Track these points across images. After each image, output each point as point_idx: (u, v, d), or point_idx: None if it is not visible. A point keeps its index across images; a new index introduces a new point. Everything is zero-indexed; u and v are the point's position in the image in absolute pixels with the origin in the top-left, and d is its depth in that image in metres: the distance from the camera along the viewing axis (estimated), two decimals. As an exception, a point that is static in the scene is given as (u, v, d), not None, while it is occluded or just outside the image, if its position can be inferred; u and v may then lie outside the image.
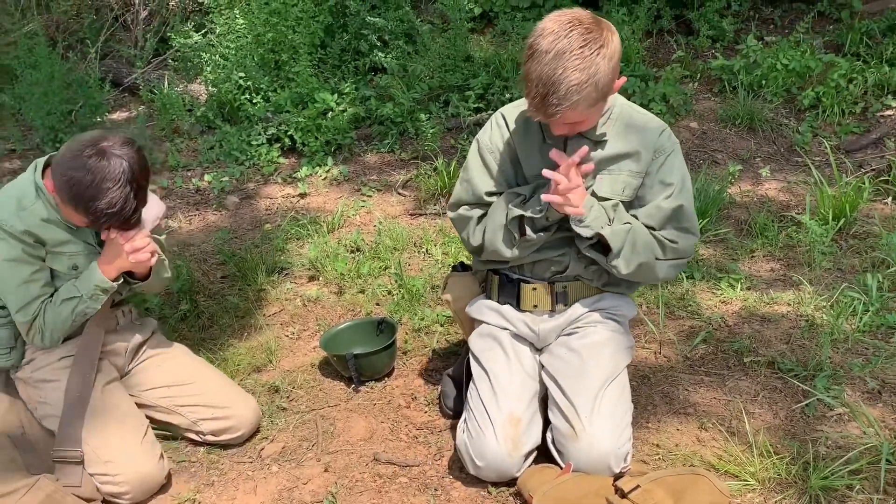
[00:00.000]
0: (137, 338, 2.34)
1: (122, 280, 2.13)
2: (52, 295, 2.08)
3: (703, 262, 3.31)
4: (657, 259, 2.06)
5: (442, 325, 2.98)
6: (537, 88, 1.81)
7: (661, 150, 2.05)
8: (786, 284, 3.14)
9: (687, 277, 3.18)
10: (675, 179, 2.06)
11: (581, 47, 1.78)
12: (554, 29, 1.81)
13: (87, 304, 2.07)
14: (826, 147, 4.07)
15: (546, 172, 1.91)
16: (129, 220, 1.94)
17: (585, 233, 1.98)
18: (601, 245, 2.05)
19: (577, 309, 2.20)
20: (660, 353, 2.77)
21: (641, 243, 2.02)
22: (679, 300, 3.06)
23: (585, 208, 1.96)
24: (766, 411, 2.45)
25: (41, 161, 2.06)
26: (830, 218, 3.41)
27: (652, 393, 2.57)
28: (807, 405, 2.43)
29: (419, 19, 5.06)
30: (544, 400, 2.16)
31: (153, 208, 2.16)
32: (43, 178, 2.01)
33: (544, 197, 1.92)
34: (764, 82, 4.55)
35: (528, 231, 2.02)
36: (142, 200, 1.96)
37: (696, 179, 3.69)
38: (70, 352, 2.15)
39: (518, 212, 2.01)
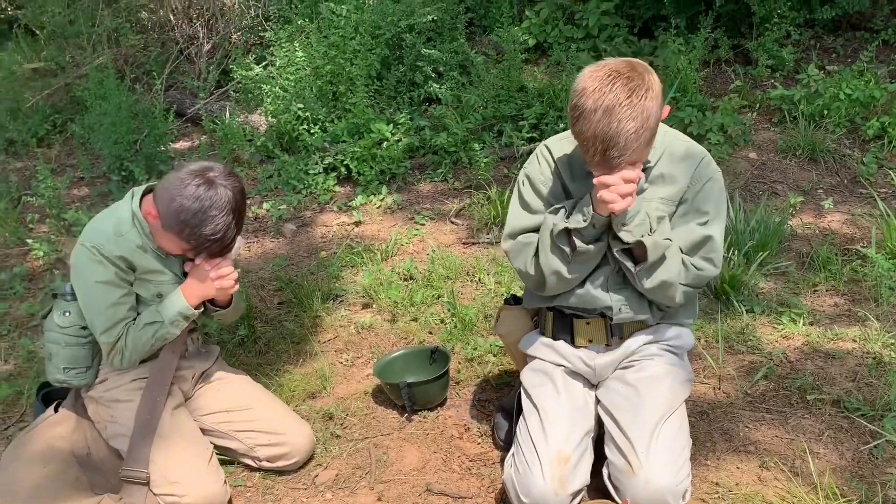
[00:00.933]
0: (203, 364, 2.41)
1: (203, 308, 2.19)
2: (134, 319, 2.16)
3: (763, 295, 3.23)
4: (679, 282, 2.03)
5: (495, 356, 2.97)
6: (595, 146, 1.82)
7: (700, 178, 2.04)
8: (851, 320, 3.04)
9: (747, 311, 3.11)
10: (710, 208, 2.04)
11: (629, 97, 1.80)
12: (596, 86, 1.82)
13: (167, 329, 2.14)
14: (892, 178, 3.95)
15: (597, 179, 1.90)
16: (227, 248, 2.03)
17: (627, 238, 1.96)
18: (632, 253, 2.02)
19: (634, 342, 2.17)
20: (719, 389, 2.70)
21: (674, 262, 2.00)
22: (739, 334, 2.99)
23: (632, 210, 1.94)
24: (832, 451, 2.36)
25: (139, 190, 2.15)
26: (898, 252, 3.30)
27: (711, 429, 2.51)
28: (875, 446, 2.34)
29: (473, 51, 5.12)
30: (600, 439, 2.12)
31: (236, 244, 2.24)
32: (140, 206, 2.10)
33: (599, 180, 1.88)
34: (826, 112, 4.46)
35: (579, 243, 2.00)
36: (240, 229, 2.05)
37: (756, 211, 3.62)
38: (143, 374, 2.22)
39: (563, 224, 2.00)
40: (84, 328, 2.17)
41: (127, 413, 2.18)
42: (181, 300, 2.13)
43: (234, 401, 2.35)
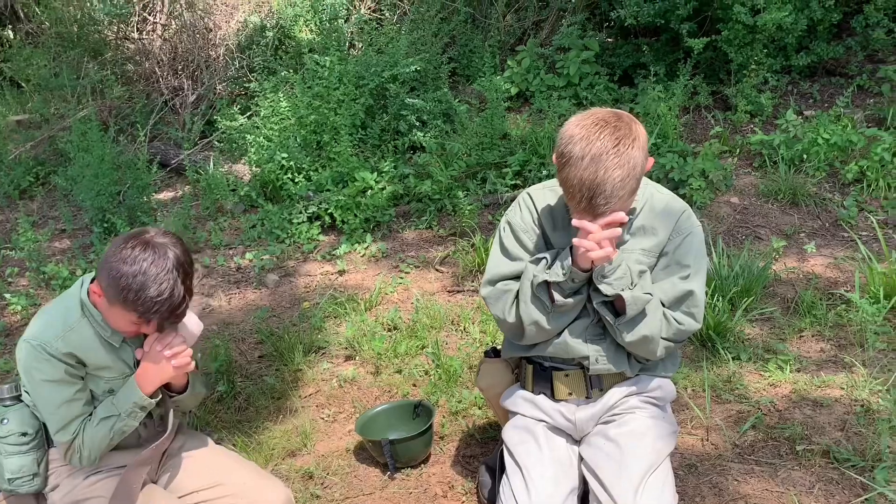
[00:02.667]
0: (163, 444, 2.26)
1: (160, 396, 2.11)
2: (90, 414, 2.06)
3: (749, 342, 3.21)
4: (661, 337, 2.01)
5: (480, 408, 2.92)
6: (581, 193, 1.82)
7: (680, 231, 2.03)
8: (838, 366, 3.01)
9: (733, 358, 3.08)
10: (690, 261, 2.03)
11: (615, 146, 1.81)
12: (584, 134, 1.83)
13: (124, 421, 2.04)
14: (873, 222, 3.98)
15: (576, 222, 1.89)
16: (178, 310, 1.92)
17: (606, 290, 1.94)
18: (613, 305, 2.00)
19: (614, 394, 2.13)
20: (707, 440, 2.66)
21: (655, 317, 1.98)
22: (725, 382, 2.95)
23: (613, 263, 1.92)
24: (823, 505, 2.32)
25: (88, 277, 2.06)
26: (882, 296, 3.29)
27: (700, 483, 2.46)
28: (866, 500, 2.29)
29: (457, 100, 5.17)
30: (585, 496, 2.07)
31: (192, 326, 2.16)
32: (88, 293, 2.01)
33: (580, 225, 1.88)
34: (805, 156, 4.50)
35: (557, 296, 1.98)
36: (189, 290, 1.95)
37: (739, 256, 3.62)
38: (96, 468, 2.12)
39: (542, 277, 1.98)
40: (24, 434, 2.06)
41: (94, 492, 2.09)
42: (136, 390, 2.03)
43: (203, 477, 2.22)
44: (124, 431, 2.06)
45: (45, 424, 2.11)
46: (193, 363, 2.08)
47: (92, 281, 2.02)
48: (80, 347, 1.98)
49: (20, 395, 2.10)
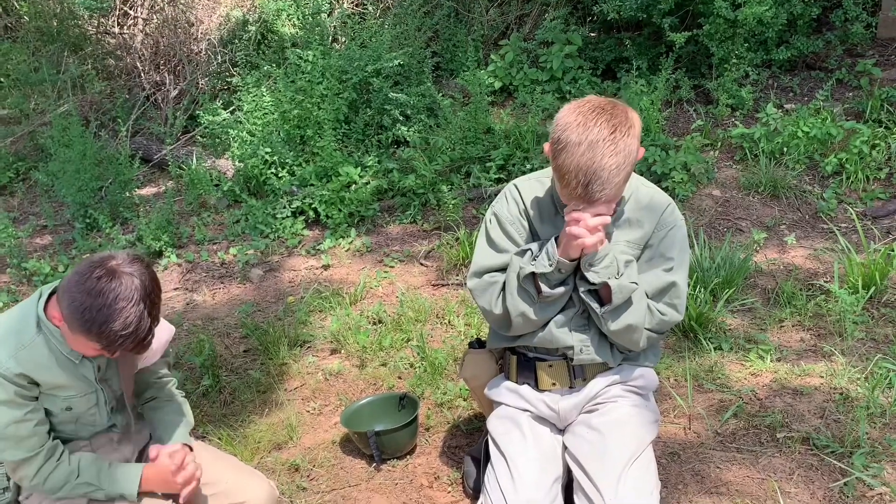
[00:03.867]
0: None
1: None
2: (49, 432, 1.94)
3: (730, 332, 3.24)
4: (644, 327, 2.04)
5: (465, 400, 2.93)
6: (577, 178, 1.83)
7: (665, 224, 2.06)
8: (817, 355, 3.06)
9: (715, 348, 3.12)
10: (674, 254, 2.05)
11: (612, 133, 1.82)
12: (580, 121, 1.84)
13: (100, 496, 1.96)
14: (851, 214, 4.03)
15: (569, 217, 1.90)
16: (144, 341, 1.80)
17: (593, 278, 1.96)
18: (598, 294, 2.02)
19: (597, 384, 2.15)
20: (689, 429, 2.69)
21: (640, 306, 2.01)
22: (707, 372, 2.99)
23: (601, 252, 1.94)
24: (803, 491, 2.35)
25: (46, 289, 1.91)
26: (860, 286, 3.34)
27: (682, 471, 2.49)
28: (845, 484, 2.34)
29: (440, 94, 5.17)
30: (569, 485, 2.09)
31: (163, 333, 2.07)
32: (47, 307, 1.87)
33: (570, 216, 1.89)
34: (785, 149, 4.55)
35: (544, 287, 2.00)
36: (155, 318, 1.83)
37: (721, 248, 3.66)
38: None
39: (529, 268, 1.99)
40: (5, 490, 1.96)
41: None
42: (130, 486, 1.94)
43: None
44: (95, 498, 1.97)
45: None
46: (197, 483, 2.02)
47: (51, 295, 1.89)
48: (34, 367, 1.85)
49: None
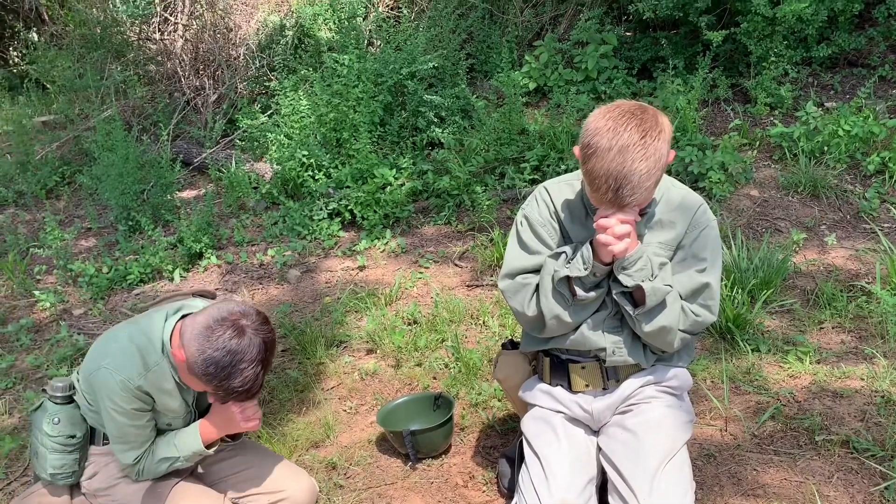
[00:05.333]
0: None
1: (218, 444, 2.18)
2: (153, 441, 2.12)
3: (768, 334, 3.21)
4: (678, 328, 2.03)
5: (500, 401, 2.95)
6: (608, 183, 1.84)
7: (697, 225, 2.05)
8: (858, 358, 3.00)
9: (753, 350, 3.08)
10: (707, 255, 2.05)
11: (642, 137, 1.82)
12: (610, 126, 1.84)
13: (181, 463, 2.12)
14: (894, 213, 3.95)
15: (597, 219, 1.91)
16: (254, 395, 1.97)
17: (626, 281, 1.96)
18: (632, 296, 2.02)
19: (630, 384, 2.15)
20: (725, 431, 2.67)
21: (673, 308, 2.01)
22: (745, 374, 2.96)
23: (634, 255, 1.94)
24: (842, 494, 2.32)
25: (172, 313, 2.06)
26: (903, 287, 3.28)
27: (718, 473, 2.47)
28: (886, 488, 2.30)
29: (475, 95, 5.19)
30: (605, 486, 2.09)
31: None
32: (172, 334, 2.01)
33: (597, 223, 1.91)
34: (826, 149, 4.47)
35: (579, 291, 2.01)
36: (267, 374, 1.98)
37: (759, 248, 3.62)
38: None
39: (564, 272, 2.00)
40: (72, 437, 2.13)
41: (126, 490, 2.16)
42: (198, 441, 2.09)
43: (228, 466, 2.31)
44: (180, 469, 2.14)
45: (91, 427, 2.18)
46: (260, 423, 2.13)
47: (177, 322, 2.02)
48: (156, 388, 2.03)
49: (73, 394, 2.15)
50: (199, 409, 2.21)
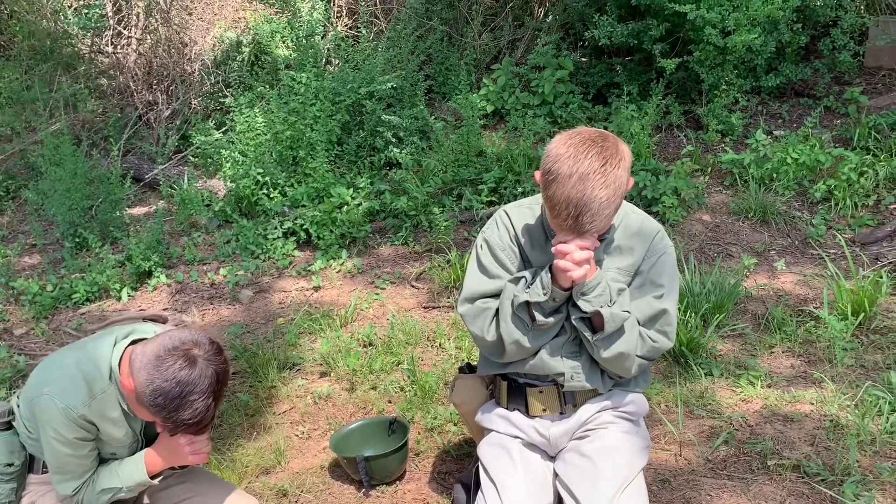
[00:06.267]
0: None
1: (162, 475, 2.10)
2: (94, 471, 2.03)
3: (721, 358, 3.25)
4: (636, 354, 2.04)
5: (455, 425, 2.92)
6: (568, 210, 1.84)
7: (655, 251, 2.07)
8: (807, 382, 3.06)
9: (706, 374, 3.12)
10: (665, 281, 2.06)
11: (602, 165, 1.82)
12: (571, 153, 1.84)
13: (124, 494, 2.04)
14: (840, 240, 4.06)
15: (555, 248, 1.91)
16: (204, 429, 1.90)
17: (585, 307, 1.96)
18: (591, 322, 2.02)
19: (587, 409, 2.15)
20: (680, 456, 2.68)
21: (631, 334, 2.01)
22: (698, 398, 2.98)
23: (593, 281, 1.95)
24: (794, 519, 2.34)
25: (121, 337, 1.97)
26: (850, 313, 3.35)
27: (673, 498, 2.48)
28: (836, 513, 2.33)
29: (433, 117, 5.20)
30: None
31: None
32: (121, 361, 1.92)
33: (556, 248, 1.90)
34: (775, 175, 4.59)
35: (538, 316, 2.00)
36: (219, 407, 1.90)
37: (711, 273, 3.67)
38: None
39: (524, 297, 1.99)
40: (9, 465, 2.03)
41: None
42: (142, 472, 2.00)
43: (175, 493, 2.22)
44: (123, 500, 2.06)
45: (30, 455, 2.07)
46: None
47: (126, 347, 1.94)
48: (101, 417, 1.94)
49: (12, 420, 2.04)
50: (148, 437, 2.12)
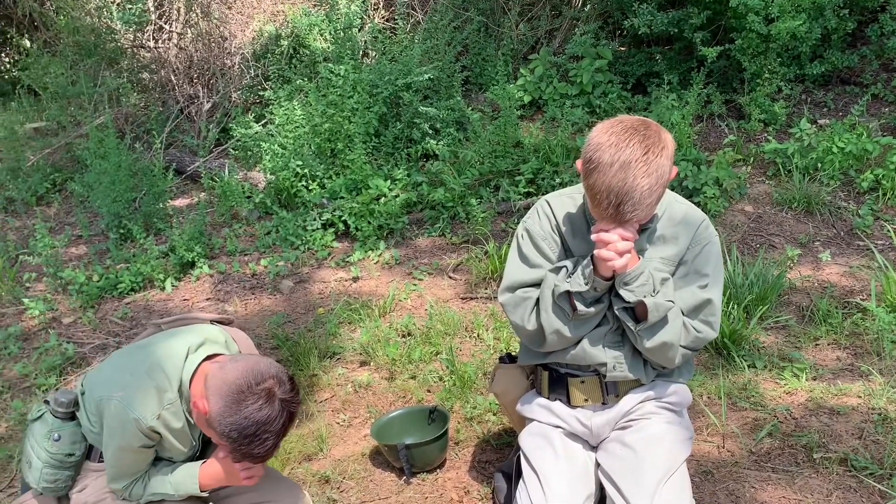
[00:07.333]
0: None
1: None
2: (146, 472, 2.08)
3: (764, 350, 3.20)
4: (679, 344, 2.02)
5: (495, 415, 2.92)
6: (609, 199, 1.82)
7: (699, 241, 2.04)
8: (854, 375, 3.00)
9: (749, 366, 3.07)
10: (709, 271, 2.04)
11: (644, 154, 1.81)
12: (613, 141, 1.83)
13: (174, 501, 2.08)
14: (888, 231, 3.96)
15: (595, 234, 1.90)
16: (267, 459, 1.93)
17: (628, 297, 1.95)
18: (634, 311, 2.00)
19: (630, 400, 2.13)
20: (723, 448, 2.65)
21: (675, 324, 1.99)
22: (741, 390, 2.95)
23: (636, 270, 1.93)
24: (841, 513, 2.31)
25: (194, 350, 1.97)
26: (898, 304, 3.28)
27: (716, 490, 2.45)
28: (885, 507, 2.29)
29: (470, 108, 5.19)
30: (602, 502, 2.07)
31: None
32: (193, 375, 1.94)
33: (597, 238, 1.89)
34: (820, 165, 4.50)
35: (580, 306, 1.99)
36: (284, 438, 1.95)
37: (754, 264, 3.62)
38: None
39: (564, 286, 1.98)
40: (70, 455, 2.07)
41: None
42: (195, 484, 2.04)
43: (241, 501, 2.26)
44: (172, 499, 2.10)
45: (90, 446, 2.12)
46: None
47: (200, 362, 1.95)
48: (166, 428, 1.97)
49: (75, 410, 2.08)
50: (204, 442, 2.16)
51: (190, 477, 2.05)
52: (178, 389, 1.95)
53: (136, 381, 1.93)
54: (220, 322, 2.17)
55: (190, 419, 2.00)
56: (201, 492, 2.06)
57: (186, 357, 1.97)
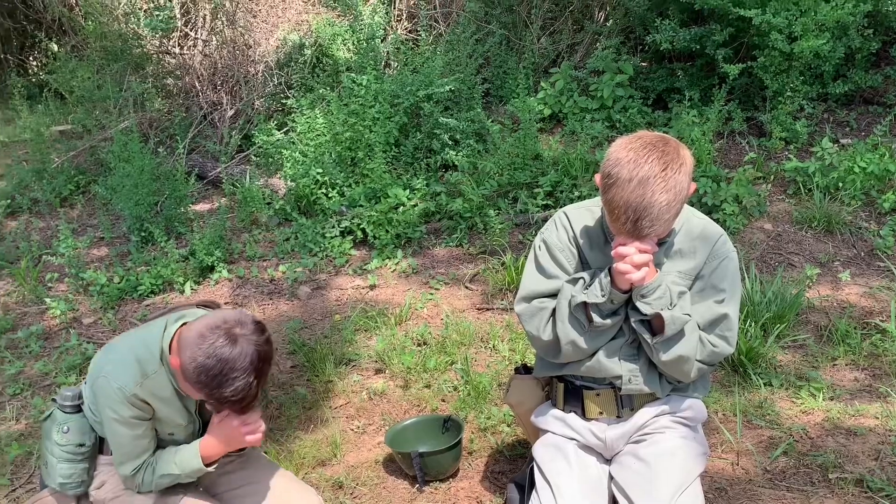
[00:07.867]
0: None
1: (218, 461, 2.16)
2: (154, 452, 2.11)
3: (781, 368, 3.18)
4: (695, 358, 2.02)
5: (508, 426, 2.93)
6: (627, 214, 1.84)
7: (717, 256, 2.05)
8: (872, 396, 2.98)
9: (765, 384, 3.06)
10: (726, 286, 2.04)
11: (663, 170, 1.82)
12: (631, 157, 1.84)
13: (183, 480, 2.11)
14: (910, 252, 3.94)
15: (614, 252, 1.91)
16: (248, 405, 1.95)
17: (645, 309, 1.95)
18: (650, 324, 2.01)
19: (645, 413, 2.14)
20: (737, 465, 2.64)
21: (692, 338, 1.99)
22: (757, 408, 2.93)
23: (653, 283, 1.94)
24: (857, 534, 2.29)
25: (172, 322, 2.04)
26: (918, 326, 3.26)
27: (730, 507, 2.44)
28: (902, 530, 2.27)
29: (490, 120, 5.21)
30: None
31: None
32: (171, 343, 2.00)
33: (615, 251, 1.90)
34: (841, 185, 4.47)
35: (596, 317, 2.00)
36: (262, 384, 1.95)
37: (772, 282, 3.60)
38: None
39: (581, 297, 1.99)
40: (81, 445, 2.12)
41: (133, 501, 2.14)
42: (198, 460, 2.06)
43: (236, 479, 2.29)
44: (180, 484, 2.12)
45: (100, 438, 2.17)
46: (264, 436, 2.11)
47: (176, 329, 2.01)
48: (154, 396, 2.02)
49: (81, 403, 2.15)
50: (205, 420, 2.19)
51: (192, 453, 2.08)
52: (160, 359, 2.01)
53: (119, 357, 2.02)
54: (206, 306, 2.22)
55: (177, 386, 2.04)
56: (206, 466, 2.08)
57: (165, 329, 2.04)
